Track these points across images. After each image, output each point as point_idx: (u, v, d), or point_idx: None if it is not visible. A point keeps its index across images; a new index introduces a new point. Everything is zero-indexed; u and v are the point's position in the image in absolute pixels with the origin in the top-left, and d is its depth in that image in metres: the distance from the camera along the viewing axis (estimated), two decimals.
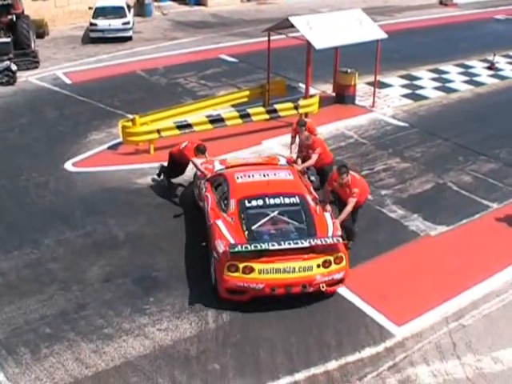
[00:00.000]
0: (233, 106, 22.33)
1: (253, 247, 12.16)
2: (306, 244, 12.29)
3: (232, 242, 12.48)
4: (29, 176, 17.84)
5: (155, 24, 36.52)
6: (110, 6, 32.31)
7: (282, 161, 16.76)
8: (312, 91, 22.91)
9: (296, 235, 12.86)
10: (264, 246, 12.17)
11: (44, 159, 18.83)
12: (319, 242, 12.36)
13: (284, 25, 22.49)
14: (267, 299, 12.50)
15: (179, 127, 19.68)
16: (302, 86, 23.54)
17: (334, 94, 24.65)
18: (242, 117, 20.79)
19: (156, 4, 39.90)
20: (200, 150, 15.79)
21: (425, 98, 25.37)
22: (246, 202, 13.51)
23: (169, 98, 23.23)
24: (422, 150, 20.17)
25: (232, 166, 15.98)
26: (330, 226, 13.21)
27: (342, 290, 13.15)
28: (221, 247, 12.53)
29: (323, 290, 12.47)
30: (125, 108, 22.32)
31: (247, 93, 22.89)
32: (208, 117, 20.47)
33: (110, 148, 19.84)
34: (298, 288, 12.35)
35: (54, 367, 11.05)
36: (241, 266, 12.17)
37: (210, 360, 11.33)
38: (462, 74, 28.63)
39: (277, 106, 21.58)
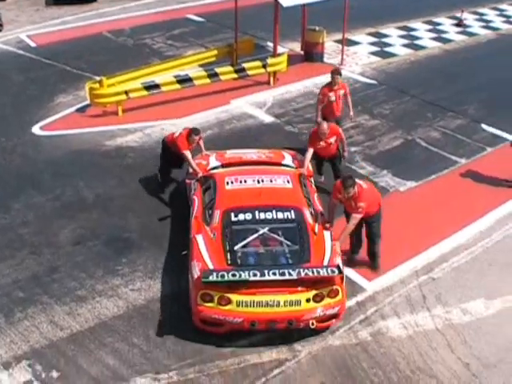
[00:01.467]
0: (201, 65, 22.12)
1: (230, 276, 10.24)
2: (294, 276, 10.34)
3: (210, 266, 10.72)
4: None
5: None
6: None
7: (288, 158, 14.68)
8: (280, 50, 22.74)
9: (287, 259, 11.01)
10: (244, 276, 10.24)
11: (11, 124, 18.61)
12: (310, 274, 10.36)
13: None
14: None
15: (147, 88, 19.52)
16: (270, 44, 23.38)
17: (302, 52, 24.57)
18: (210, 76, 20.63)
19: None
20: (193, 133, 14.36)
21: (393, 55, 25.37)
22: (232, 215, 11.63)
23: (136, 59, 23.00)
24: (390, 107, 20.27)
25: (228, 164, 14.15)
26: (328, 250, 11.28)
27: None
28: (196, 271, 10.79)
29: (313, 327, 10.75)
30: (92, 70, 22.06)
31: (215, 52, 22.68)
32: (176, 77, 20.31)
33: (77, 110, 19.62)
34: (284, 324, 10.65)
35: (28, 330, 11.06)
36: (216, 296, 10.43)
37: (184, 318, 11.40)
38: (430, 31, 28.62)
39: (245, 65, 21.44)
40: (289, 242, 11.29)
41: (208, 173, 13.73)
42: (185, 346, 10.26)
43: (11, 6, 30.43)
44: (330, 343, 11.03)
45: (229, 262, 10.88)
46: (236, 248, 11.10)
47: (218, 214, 11.75)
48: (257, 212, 11.66)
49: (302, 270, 10.39)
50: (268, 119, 19.32)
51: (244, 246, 11.18)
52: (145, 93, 19.50)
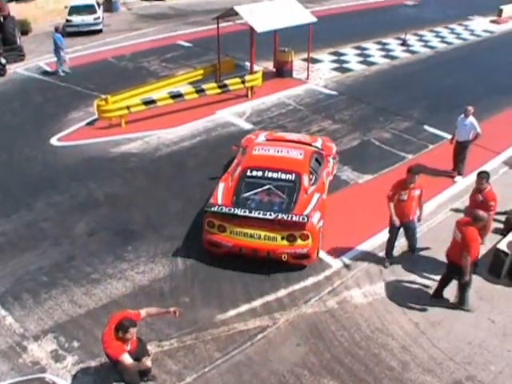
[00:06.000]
0: (190, 83, 22.02)
1: (226, 210, 11.77)
2: (270, 217, 11.57)
3: (218, 202, 12.17)
4: (21, 151, 17.49)
5: (121, 18, 35.73)
6: (83, 5, 31.46)
7: (319, 142, 15.49)
8: (256, 68, 22.76)
9: (277, 207, 12.16)
10: (235, 212, 11.68)
11: (33, 136, 18.44)
12: (284, 218, 11.53)
13: (230, 13, 22.26)
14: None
15: (145, 103, 19.42)
16: (248, 63, 23.39)
17: (274, 70, 24.50)
18: (197, 92, 20.53)
19: (122, 1, 39.07)
20: (122, 328, 8.43)
21: (350, 70, 25.30)
22: (249, 171, 12.88)
23: (135, 79, 22.83)
24: (349, 113, 20.27)
25: (272, 139, 15.36)
26: (311, 206, 12.18)
27: None
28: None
29: (284, 259, 11.70)
30: (99, 89, 21.89)
31: (201, 71, 22.62)
32: (169, 93, 20.23)
33: (87, 124, 19.46)
34: (263, 254, 11.75)
35: (52, 308, 11.04)
36: (216, 223, 11.87)
37: (181, 294, 11.40)
38: (380, 49, 28.62)
39: (227, 82, 21.35)
40: (284, 196, 12.43)
41: (248, 143, 14.94)
42: (182, 317, 10.21)
43: (32, 39, 30.22)
44: (304, 311, 11.04)
45: (233, 202, 12.28)
46: (242, 195, 12.45)
47: (239, 170, 13.11)
48: (267, 172, 12.82)
49: (278, 214, 11.62)
50: (247, 126, 19.24)
51: (249, 194, 12.49)
52: (143, 107, 19.39)
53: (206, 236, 12.11)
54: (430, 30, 32.97)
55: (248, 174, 12.86)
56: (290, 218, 11.54)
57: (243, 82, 21.42)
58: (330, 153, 15.31)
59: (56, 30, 24.41)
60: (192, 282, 11.79)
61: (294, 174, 12.79)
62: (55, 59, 24.22)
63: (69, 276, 11.95)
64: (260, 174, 12.82)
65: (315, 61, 25.95)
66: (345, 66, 25.90)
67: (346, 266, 12.30)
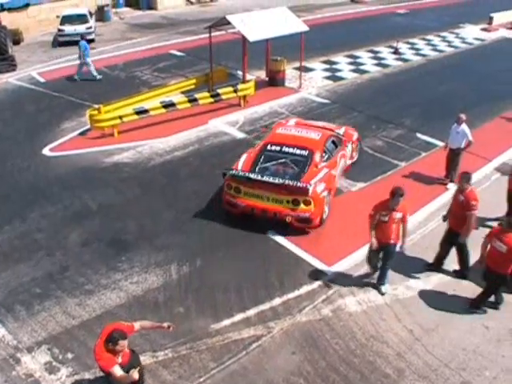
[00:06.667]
0: (182, 92, 22.08)
1: (241, 174, 13.70)
2: (278, 182, 13.32)
3: (238, 168, 14.09)
4: (14, 161, 17.43)
5: (114, 27, 35.78)
6: (75, 14, 31.55)
7: (341, 130, 17.03)
8: (249, 77, 22.81)
9: (288, 177, 13.70)
10: (249, 175, 13.58)
11: (25, 147, 18.39)
12: (290, 183, 13.26)
13: (222, 22, 22.27)
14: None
15: (138, 113, 19.42)
16: (240, 73, 23.44)
17: (267, 79, 24.59)
18: (190, 101, 20.56)
19: (114, 10, 39.06)
20: (112, 340, 8.32)
21: (342, 78, 25.45)
22: (269, 146, 14.71)
23: (128, 88, 22.84)
24: (342, 122, 20.20)
25: (298, 124, 16.80)
26: (318, 178, 13.80)
27: (283, 241, 13.37)
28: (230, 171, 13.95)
29: (288, 221, 13.41)
30: (91, 99, 21.91)
31: (194, 81, 22.67)
32: (162, 103, 20.20)
33: (80, 134, 19.43)
34: (271, 214, 13.52)
35: (46, 320, 10.98)
36: (233, 185, 13.73)
37: (176, 304, 11.37)
38: (372, 58, 28.80)
39: (219, 91, 21.40)
40: (296, 168, 14.10)
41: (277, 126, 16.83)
42: (177, 327, 10.19)
43: (24, 49, 30.24)
44: (298, 320, 11.04)
45: (251, 170, 14.05)
46: (259, 165, 14.27)
47: (261, 143, 15.14)
48: (284, 147, 14.60)
49: (286, 180, 13.39)
50: (240, 135, 19.30)
51: (266, 165, 14.27)
52: (136, 117, 19.39)
53: (225, 197, 14.04)
54: (422, 38, 33.23)
55: (268, 148, 14.67)
56: (294, 184, 13.24)
57: (236, 91, 21.47)
58: (350, 139, 16.63)
59: (82, 37, 24.88)
60: (186, 291, 11.77)
61: (307, 151, 14.43)
62: (48, 68, 24.12)
63: (62, 287, 11.90)
64: (278, 148, 14.58)
65: (308, 69, 26.05)
66: (337, 74, 26.02)
67: (340, 274, 12.30)
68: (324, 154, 14.73)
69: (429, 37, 33.45)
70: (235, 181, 13.72)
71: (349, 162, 16.33)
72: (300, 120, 17.66)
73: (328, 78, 25.49)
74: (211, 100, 21.18)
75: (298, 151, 14.44)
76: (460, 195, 11.89)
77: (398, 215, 11.30)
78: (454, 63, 28.24)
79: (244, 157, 14.75)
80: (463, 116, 15.51)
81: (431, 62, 28.57)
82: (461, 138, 15.49)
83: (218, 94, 21.32)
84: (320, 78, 25.35)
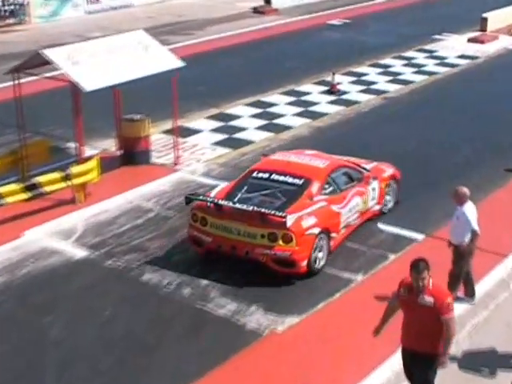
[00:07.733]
0: None
1: (205, 198, 17.41)
2: (248, 209, 16.36)
3: (211, 195, 17.71)
4: None
5: None
6: None
7: (370, 164, 20.32)
8: (88, 152, 22.76)
9: (269, 207, 16.67)
10: (214, 200, 17.00)
11: None
12: (262, 211, 16.22)
13: (37, 61, 22.02)
14: None
15: None
16: (73, 145, 23.24)
17: (119, 153, 24.55)
18: None
19: None
20: None
21: (247, 142, 25.94)
22: (255, 173, 18.32)
23: None
24: None
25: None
26: (308, 210, 16.79)
27: None
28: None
29: (262, 261, 16.34)
30: None
31: None
32: None
33: None
34: (242, 252, 16.53)
35: None
36: (199, 216, 17.10)
37: None
38: (293, 103, 29.64)
39: (39, 179, 21.02)
40: (284, 198, 17.18)
41: None
42: None
43: None
44: None
45: (226, 199, 17.26)
46: (240, 194, 17.49)
47: (247, 171, 18.79)
48: (274, 174, 18.02)
49: (256, 207, 16.45)
50: (79, 254, 18.81)
51: (248, 195, 17.51)
52: None
53: (189, 231, 17.59)
54: (373, 63, 34.23)
55: (254, 175, 18.25)
56: (268, 213, 16.18)
57: (67, 179, 21.12)
58: (378, 175, 19.75)
59: None
60: None
61: (302, 179, 17.69)
62: None
63: None
64: (266, 175, 18.08)
65: (188, 132, 26.49)
66: (237, 136, 26.50)
67: None
68: (327, 186, 18.01)
69: (385, 61, 34.62)
70: (201, 210, 17.14)
71: (372, 203, 19.41)
72: (320, 153, 20.41)
73: (222, 143, 25.93)
74: (25, 196, 20.71)
75: (290, 179, 17.74)
76: (421, 296, 11.60)
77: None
78: (429, 99, 29.08)
79: (222, 185, 18.64)
80: (464, 190, 15.33)
81: (391, 100, 29.50)
82: (463, 227, 15.30)
83: (36, 185, 20.90)
84: (209, 145, 25.75)
